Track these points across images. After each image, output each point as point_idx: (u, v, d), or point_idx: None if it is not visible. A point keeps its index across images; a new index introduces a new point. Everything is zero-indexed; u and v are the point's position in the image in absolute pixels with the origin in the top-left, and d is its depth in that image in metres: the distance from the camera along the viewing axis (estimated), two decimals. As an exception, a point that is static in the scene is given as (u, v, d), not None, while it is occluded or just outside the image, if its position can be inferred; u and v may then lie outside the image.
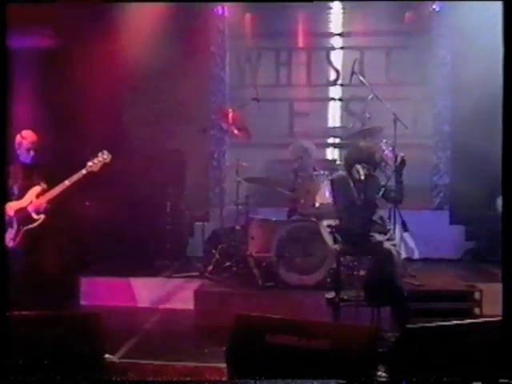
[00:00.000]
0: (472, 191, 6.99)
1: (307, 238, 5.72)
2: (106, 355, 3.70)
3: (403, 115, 6.11)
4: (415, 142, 7.06)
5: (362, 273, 5.53)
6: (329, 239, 5.53)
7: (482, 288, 5.68)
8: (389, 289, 4.73)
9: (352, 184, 4.93)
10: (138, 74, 6.96)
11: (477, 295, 5.71)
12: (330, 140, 7.57)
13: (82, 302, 6.02)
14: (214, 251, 6.42)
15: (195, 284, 5.96)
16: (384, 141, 5.86)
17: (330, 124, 7.62)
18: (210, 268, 6.26)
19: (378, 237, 4.88)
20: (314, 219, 5.76)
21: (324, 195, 5.79)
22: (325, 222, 5.70)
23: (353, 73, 6.08)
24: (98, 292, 6.04)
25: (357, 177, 4.87)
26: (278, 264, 5.71)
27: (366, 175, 4.80)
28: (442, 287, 5.85)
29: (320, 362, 3.32)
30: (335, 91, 7.62)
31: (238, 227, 6.49)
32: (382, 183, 5.05)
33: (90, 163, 5.04)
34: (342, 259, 5.20)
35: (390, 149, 5.72)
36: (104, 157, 5.06)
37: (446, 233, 7.20)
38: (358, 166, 4.86)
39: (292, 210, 6.25)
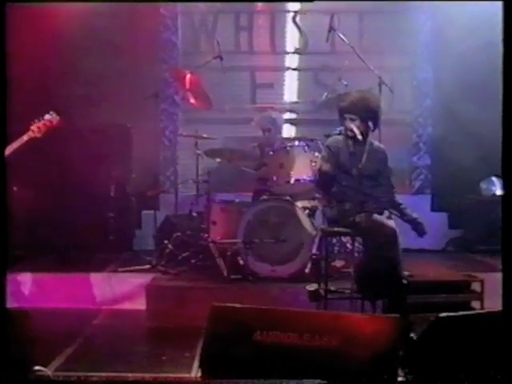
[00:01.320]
0: (456, 173, 6.56)
1: (280, 221, 5.06)
2: (36, 367, 3.10)
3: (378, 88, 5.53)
4: (392, 118, 6.53)
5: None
6: (307, 222, 4.95)
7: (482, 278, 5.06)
8: (390, 278, 4.04)
9: (347, 149, 4.26)
10: (76, 40, 6.32)
11: (476, 286, 5.10)
12: (298, 115, 6.88)
13: (9, 305, 5.05)
14: (166, 242, 5.65)
15: (146, 279, 5.18)
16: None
17: (297, 97, 6.98)
18: (163, 261, 5.45)
19: (377, 216, 4.18)
20: (288, 198, 5.09)
21: (301, 170, 5.08)
22: (300, 203, 5.11)
23: (330, 29, 5.37)
24: (28, 291, 5.25)
25: (350, 135, 4.21)
26: (246, 252, 5.02)
27: (363, 134, 4.08)
28: (436, 278, 5.19)
29: (327, 364, 2.60)
30: (303, 60, 6.98)
31: (195, 213, 5.75)
32: None
33: (33, 127, 4.37)
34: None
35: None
36: (50, 119, 4.38)
37: (428, 220, 6.52)
38: (351, 125, 4.14)
39: (258, 192, 5.56)
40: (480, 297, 4.99)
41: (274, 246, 5.02)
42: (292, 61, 6.98)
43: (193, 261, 5.42)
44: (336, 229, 4.30)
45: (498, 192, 6.85)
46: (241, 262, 5.07)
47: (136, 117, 6.24)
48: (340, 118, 4.35)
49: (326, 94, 5.90)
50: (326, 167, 4.27)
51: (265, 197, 5.17)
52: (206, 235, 5.35)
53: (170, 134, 6.83)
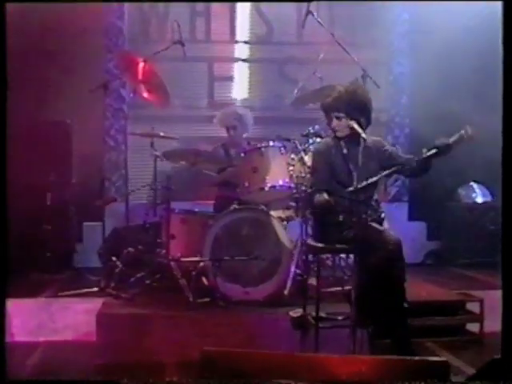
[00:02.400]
0: (436, 179, 5.93)
1: (254, 235, 4.52)
2: None
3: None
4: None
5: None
6: (284, 236, 4.46)
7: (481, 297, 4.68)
8: (394, 301, 3.52)
9: (340, 153, 3.78)
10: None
11: (472, 306, 4.71)
12: (263, 112, 6.33)
13: None
14: (114, 259, 5.00)
15: (93, 304, 4.48)
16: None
17: (262, 92, 6.49)
18: (114, 283, 4.78)
19: (377, 226, 3.72)
20: (263, 208, 4.55)
21: (277, 175, 4.53)
22: (274, 214, 4.61)
23: (308, 13, 4.84)
24: None
25: (340, 136, 3.75)
26: (215, 272, 4.43)
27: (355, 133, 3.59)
28: (430, 298, 4.76)
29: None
30: (267, 50, 6.51)
31: (148, 224, 5.11)
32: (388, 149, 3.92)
33: None
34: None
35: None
36: None
37: (405, 231, 6.16)
38: (351, 122, 3.64)
39: (221, 200, 5.03)
40: (479, 318, 4.62)
41: (246, 264, 4.46)
42: (254, 51, 6.53)
43: (148, 281, 4.76)
44: (328, 245, 3.72)
45: (479, 199, 6.56)
46: (208, 284, 4.50)
47: (78, 113, 5.60)
48: (326, 117, 3.82)
49: (297, 88, 5.43)
50: (320, 176, 3.80)
51: (235, 206, 4.57)
52: (164, 251, 4.73)
53: (116, 133, 6.17)
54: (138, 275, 4.77)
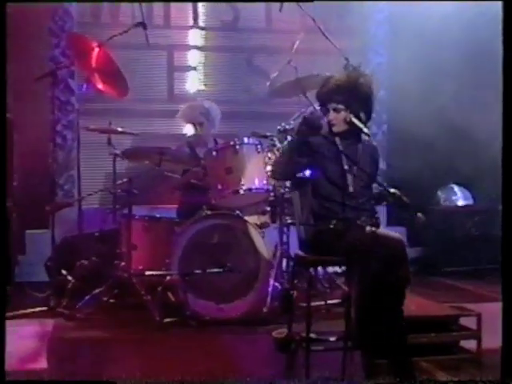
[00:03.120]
0: (416, 180, 5.95)
1: (228, 245, 4.31)
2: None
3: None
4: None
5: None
6: (262, 245, 4.28)
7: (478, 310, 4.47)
8: (396, 313, 3.30)
9: (334, 151, 3.49)
10: None
11: (465, 321, 4.50)
12: (230, 106, 6.01)
13: None
14: (65, 272, 4.71)
15: (42, 327, 4.18)
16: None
17: (228, 84, 6.25)
18: (65, 301, 4.42)
19: (380, 230, 3.42)
20: (238, 213, 4.33)
21: (253, 176, 4.31)
22: (249, 219, 4.43)
23: (286, -4, 4.58)
24: None
25: (336, 131, 3.47)
26: (185, 287, 4.18)
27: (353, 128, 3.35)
28: (421, 313, 4.53)
29: None
30: (233, 38, 6.28)
31: (105, 232, 4.86)
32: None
33: None
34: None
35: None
36: None
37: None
38: (351, 115, 3.39)
39: (186, 204, 4.80)
40: (477, 334, 4.42)
41: (220, 277, 4.24)
42: (219, 39, 6.28)
43: (106, 299, 4.45)
44: (322, 257, 3.43)
45: (460, 202, 6.44)
46: (177, 301, 4.27)
47: (19, 106, 5.30)
48: (321, 108, 3.55)
49: (270, 79, 5.19)
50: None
51: (207, 212, 4.29)
52: (124, 264, 4.46)
53: (64, 128, 5.79)
54: (95, 292, 4.46)
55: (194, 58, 6.19)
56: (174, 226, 4.48)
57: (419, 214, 3.36)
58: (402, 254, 3.27)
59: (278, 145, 4.38)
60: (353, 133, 3.49)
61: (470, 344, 4.33)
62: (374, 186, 3.58)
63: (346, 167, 3.49)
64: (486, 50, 5.23)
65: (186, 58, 6.19)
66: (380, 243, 3.23)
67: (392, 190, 3.34)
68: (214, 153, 4.34)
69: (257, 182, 4.29)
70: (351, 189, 3.47)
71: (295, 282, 4.36)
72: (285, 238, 4.69)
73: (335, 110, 3.46)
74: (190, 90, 6.13)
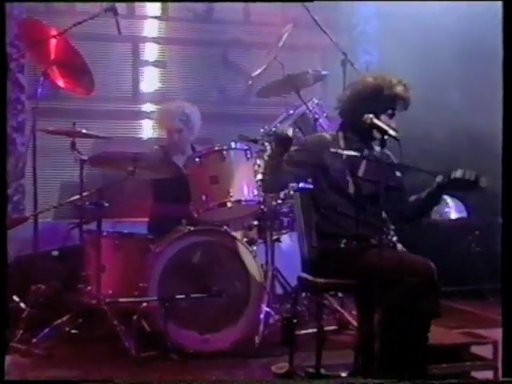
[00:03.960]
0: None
1: (214, 265, 4.06)
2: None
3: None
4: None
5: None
6: (253, 265, 4.07)
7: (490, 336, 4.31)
8: (421, 345, 3.14)
9: (340, 156, 3.31)
10: None
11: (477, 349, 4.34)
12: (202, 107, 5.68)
13: None
14: (18, 299, 4.38)
15: None
16: (315, 101, 4.69)
17: (201, 81, 5.99)
18: (20, 332, 4.07)
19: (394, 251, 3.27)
20: (226, 229, 4.13)
21: (242, 186, 4.06)
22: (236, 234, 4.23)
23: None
24: None
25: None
26: (164, 315, 3.84)
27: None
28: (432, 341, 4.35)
29: None
30: (206, 30, 6.02)
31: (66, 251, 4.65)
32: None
33: None
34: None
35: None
36: None
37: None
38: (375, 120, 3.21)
39: (161, 218, 4.60)
40: (493, 365, 4.24)
41: (205, 303, 3.98)
42: (191, 31, 6.04)
43: (69, 329, 4.12)
44: (333, 280, 3.19)
45: (453, 215, 6.29)
46: (154, 331, 3.96)
47: None
48: (389, 114, 3.38)
49: (252, 77, 5.01)
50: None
51: (190, 227, 4.03)
52: (90, 288, 4.18)
53: (13, 131, 5.43)
54: (56, 322, 4.10)
55: (161, 51, 5.95)
56: (149, 243, 4.20)
57: (483, 179, 3.14)
58: (431, 282, 3.07)
59: (269, 150, 4.12)
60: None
61: (481, 374, 4.20)
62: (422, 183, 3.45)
63: (354, 176, 3.35)
64: (482, 45, 5.19)
65: (153, 51, 5.94)
66: (405, 268, 3.04)
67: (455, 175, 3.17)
68: (197, 159, 4.06)
69: (246, 192, 4.04)
70: (362, 201, 3.31)
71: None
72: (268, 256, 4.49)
73: (392, 115, 3.37)
74: (157, 88, 5.87)
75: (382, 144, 3.12)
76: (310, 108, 4.56)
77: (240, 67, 5.89)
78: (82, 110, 5.41)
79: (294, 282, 4.58)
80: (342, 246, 3.24)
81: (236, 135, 4.98)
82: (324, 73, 4.90)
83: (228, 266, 4.02)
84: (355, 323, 4.20)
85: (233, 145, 4.12)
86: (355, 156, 3.32)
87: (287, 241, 4.99)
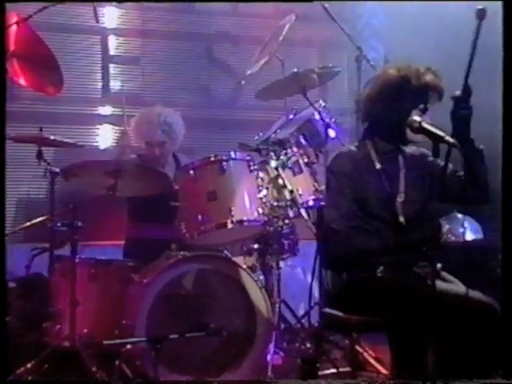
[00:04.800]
0: None
1: (212, 298, 3.97)
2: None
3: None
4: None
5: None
6: (259, 296, 3.98)
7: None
8: None
9: (372, 168, 3.24)
10: None
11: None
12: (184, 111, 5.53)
13: None
14: None
15: None
16: (322, 103, 4.56)
17: (182, 81, 5.93)
18: None
19: (443, 284, 3.13)
20: (226, 254, 4.10)
21: (245, 203, 3.93)
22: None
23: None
24: None
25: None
26: (154, 358, 3.62)
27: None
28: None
29: None
30: (188, 22, 5.99)
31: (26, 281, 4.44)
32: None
33: None
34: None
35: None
36: None
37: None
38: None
39: (138, 242, 4.60)
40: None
41: (201, 343, 3.84)
42: (170, 24, 5.98)
43: (32, 378, 3.86)
44: (368, 318, 3.03)
45: (468, 236, 6.21)
46: (138, 375, 3.80)
47: None
48: (421, 109, 3.25)
49: (246, 75, 4.94)
50: (341, 199, 3.18)
51: (185, 253, 3.92)
52: (59, 327, 4.02)
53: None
54: (18, 371, 3.87)
55: (135, 45, 5.87)
56: (131, 272, 4.05)
57: None
58: (494, 329, 2.96)
59: (274, 162, 4.02)
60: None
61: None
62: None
63: (388, 189, 3.23)
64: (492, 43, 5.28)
65: (126, 45, 5.86)
66: (462, 308, 2.96)
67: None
68: (192, 172, 3.92)
69: (249, 211, 3.90)
70: (401, 219, 3.19)
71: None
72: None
73: (425, 110, 3.21)
74: (130, 88, 5.75)
75: (435, 153, 2.97)
76: (316, 113, 4.42)
77: (228, 65, 5.89)
78: (42, 113, 5.32)
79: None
80: (379, 274, 3.10)
81: (224, 144, 4.98)
82: (337, 69, 4.81)
83: (229, 299, 3.94)
84: (376, 364, 4.12)
85: (233, 154, 4.01)
86: (391, 168, 3.23)
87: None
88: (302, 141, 4.30)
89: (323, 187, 4.03)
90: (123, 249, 4.70)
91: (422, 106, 3.19)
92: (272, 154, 4.07)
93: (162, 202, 4.15)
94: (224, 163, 3.93)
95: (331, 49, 6.14)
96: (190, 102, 5.75)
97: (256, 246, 4.37)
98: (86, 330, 3.97)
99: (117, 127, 5.60)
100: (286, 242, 4.51)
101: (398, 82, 3.21)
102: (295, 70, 4.49)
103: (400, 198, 3.20)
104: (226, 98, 5.84)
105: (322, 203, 3.79)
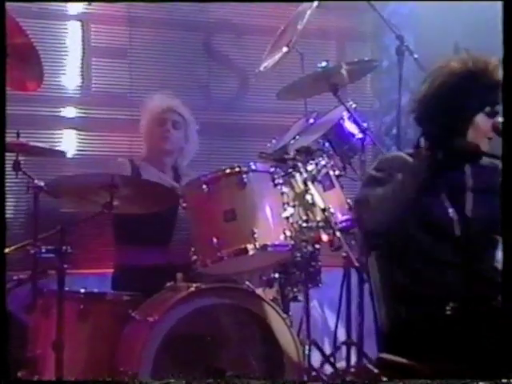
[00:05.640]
0: None
1: (232, 340, 3.90)
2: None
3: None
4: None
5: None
6: (288, 338, 3.88)
7: None
8: None
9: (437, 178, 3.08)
10: None
11: None
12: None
13: None
14: None
15: None
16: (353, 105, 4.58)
17: (176, 78, 5.79)
18: None
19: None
20: (248, 286, 3.95)
21: (270, 223, 3.85)
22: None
23: None
24: None
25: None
26: None
27: None
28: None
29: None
30: (184, 9, 5.84)
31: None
32: None
33: None
34: None
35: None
36: None
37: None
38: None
39: (130, 269, 4.52)
40: None
41: None
42: (163, 10, 5.84)
43: None
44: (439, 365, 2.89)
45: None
46: None
47: None
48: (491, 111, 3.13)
49: (259, 69, 4.80)
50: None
51: (199, 285, 3.79)
52: (37, 377, 3.88)
53: None
54: None
55: (121, 35, 5.73)
56: (128, 307, 3.91)
57: None
58: None
59: (301, 175, 3.94)
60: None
61: None
62: None
63: (450, 208, 3.08)
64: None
65: (110, 35, 5.72)
66: None
67: None
68: (205, 186, 3.79)
69: (274, 233, 3.80)
70: (474, 246, 3.05)
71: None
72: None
73: (491, 114, 3.06)
74: (114, 84, 5.62)
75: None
76: (347, 115, 4.30)
77: (230, 59, 5.80)
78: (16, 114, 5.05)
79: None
80: (448, 312, 2.96)
81: (230, 153, 4.81)
82: (375, 63, 4.80)
83: (252, 341, 3.86)
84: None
85: (253, 166, 3.90)
86: (456, 185, 3.10)
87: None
88: (330, 149, 4.24)
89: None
90: (112, 278, 4.61)
91: (487, 108, 3.06)
92: (300, 164, 3.95)
93: (158, 219, 4.13)
94: (244, 176, 3.81)
95: (351, 40, 6.11)
96: (185, 103, 5.35)
97: (276, 275, 4.20)
98: (72, 379, 3.78)
99: (101, 133, 5.46)
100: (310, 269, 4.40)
101: (461, 78, 3.04)
102: (323, 63, 4.36)
103: (468, 224, 3.06)
104: (227, 97, 5.72)
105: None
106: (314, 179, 3.94)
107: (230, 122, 5.74)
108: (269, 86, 5.31)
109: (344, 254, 3.86)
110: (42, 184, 3.84)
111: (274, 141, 4.55)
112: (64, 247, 3.73)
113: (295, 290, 4.30)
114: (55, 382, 3.55)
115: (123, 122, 5.53)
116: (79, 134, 5.48)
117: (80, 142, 5.51)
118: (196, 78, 5.84)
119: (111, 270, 4.73)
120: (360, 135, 4.35)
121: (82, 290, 4.04)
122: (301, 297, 4.56)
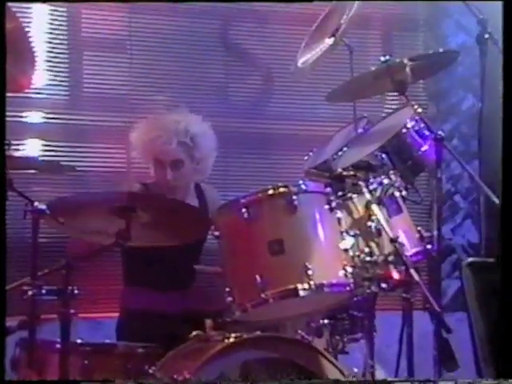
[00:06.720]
0: None
1: None
2: None
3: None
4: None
5: None
6: None
7: None
8: None
9: None
10: None
11: None
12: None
13: None
14: None
15: None
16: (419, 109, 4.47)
17: (187, 77, 5.87)
18: None
19: None
20: (304, 337, 3.91)
21: (327, 257, 3.72)
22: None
23: None
24: None
25: None
26: None
27: None
28: None
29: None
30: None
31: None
32: None
33: None
34: None
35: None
36: None
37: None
38: None
39: (142, 314, 4.49)
40: None
41: None
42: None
43: None
44: None
45: None
46: None
47: None
48: None
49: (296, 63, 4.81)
50: None
51: (237, 335, 3.66)
52: None
53: None
54: None
55: (121, 25, 5.73)
56: (144, 361, 3.75)
57: None
58: None
59: (367, 194, 3.81)
60: None
61: None
62: None
63: None
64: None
65: (106, 24, 5.72)
66: None
67: None
68: (244, 211, 3.63)
69: (332, 270, 3.64)
70: None
71: None
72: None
73: None
74: (111, 87, 5.63)
75: None
76: (411, 122, 4.15)
77: (250, 55, 5.82)
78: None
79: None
80: None
81: (261, 168, 4.98)
82: (455, 54, 4.65)
83: None
84: None
85: (303, 185, 3.73)
86: None
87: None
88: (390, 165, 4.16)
89: (427, 233, 3.98)
90: (117, 324, 4.59)
91: None
92: (362, 183, 3.81)
93: (178, 252, 4.07)
94: (294, 198, 3.64)
95: (399, 30, 6.15)
96: (196, 107, 5.40)
97: (326, 321, 4.06)
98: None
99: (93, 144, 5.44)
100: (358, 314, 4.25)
101: None
102: (384, 57, 4.22)
103: None
104: (249, 102, 5.72)
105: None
106: (379, 202, 3.80)
107: (251, 131, 5.79)
108: (300, 86, 5.32)
109: (404, 295, 3.73)
110: (43, 207, 3.64)
111: (311, 153, 4.50)
112: (69, 287, 3.51)
113: (345, 339, 4.15)
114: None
115: (121, 129, 5.44)
116: (66, 145, 5.43)
117: (65, 155, 5.45)
118: (209, 77, 5.87)
119: (106, 315, 4.73)
120: (425, 147, 4.26)
121: (79, 341, 3.83)
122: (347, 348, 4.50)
